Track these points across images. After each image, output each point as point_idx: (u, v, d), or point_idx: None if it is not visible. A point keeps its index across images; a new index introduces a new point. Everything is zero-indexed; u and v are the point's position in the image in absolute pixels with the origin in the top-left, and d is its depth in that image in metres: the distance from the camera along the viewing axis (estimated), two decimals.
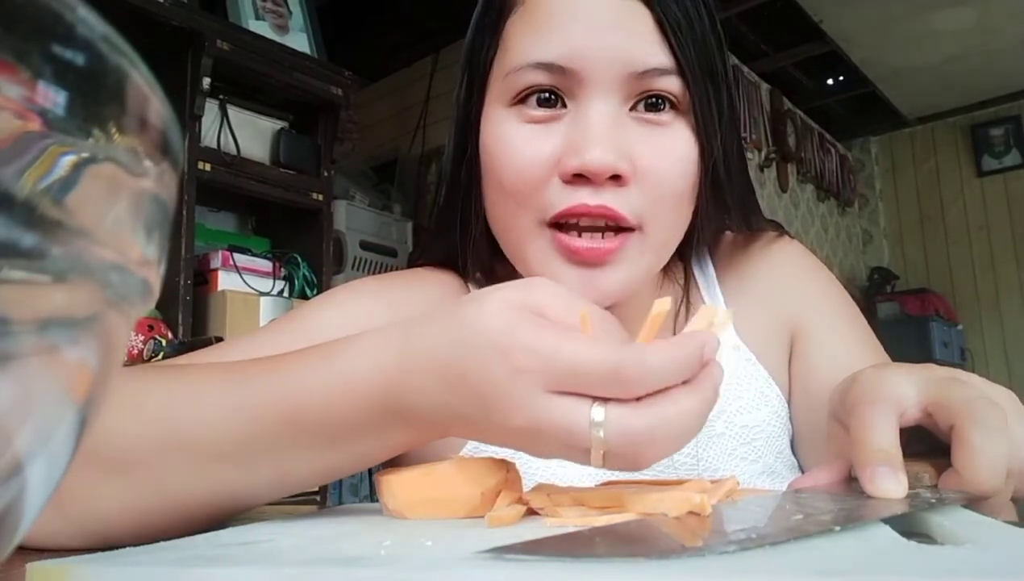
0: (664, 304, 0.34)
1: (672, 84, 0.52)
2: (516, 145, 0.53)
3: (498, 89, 0.55)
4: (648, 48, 0.51)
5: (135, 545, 0.30)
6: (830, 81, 3.83)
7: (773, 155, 3.58)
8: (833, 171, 4.11)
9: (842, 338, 0.61)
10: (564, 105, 0.53)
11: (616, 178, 0.50)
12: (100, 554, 0.28)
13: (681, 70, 0.52)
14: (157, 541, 0.31)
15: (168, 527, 0.39)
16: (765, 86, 3.61)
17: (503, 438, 0.35)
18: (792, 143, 3.70)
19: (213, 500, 0.40)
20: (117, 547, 0.30)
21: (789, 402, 0.62)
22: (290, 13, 2.11)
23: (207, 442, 0.38)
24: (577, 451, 0.33)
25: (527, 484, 0.41)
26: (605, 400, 0.31)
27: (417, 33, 3.07)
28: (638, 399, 0.31)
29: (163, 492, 0.39)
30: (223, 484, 0.39)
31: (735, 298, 0.64)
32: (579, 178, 0.51)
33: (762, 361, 0.62)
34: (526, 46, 0.53)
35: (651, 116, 0.52)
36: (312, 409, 0.37)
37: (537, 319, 0.33)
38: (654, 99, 0.52)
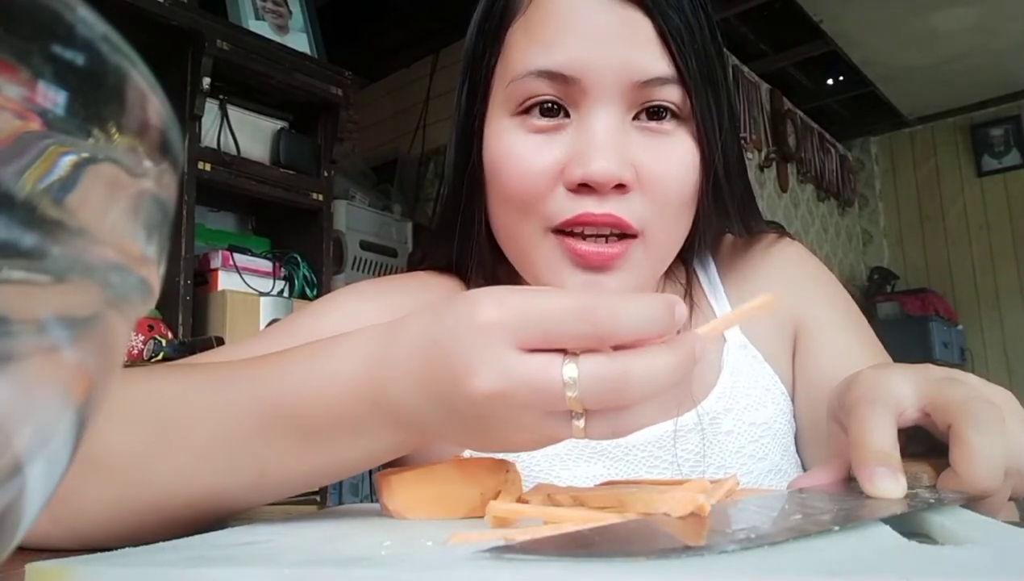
0: (769, 299, 0.34)
1: (674, 93, 0.52)
2: (520, 155, 0.53)
3: (501, 97, 0.55)
4: (650, 58, 0.51)
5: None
6: (830, 81, 3.83)
7: (773, 155, 3.58)
8: (833, 171, 4.11)
9: (844, 337, 0.62)
10: (567, 115, 0.53)
11: (620, 187, 0.51)
12: (99, 554, 0.28)
13: (682, 79, 0.52)
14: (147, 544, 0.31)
15: (149, 530, 0.39)
16: (765, 86, 3.61)
17: (476, 427, 0.33)
18: (792, 143, 3.69)
19: (192, 502, 0.39)
20: (105, 549, 0.30)
21: (793, 400, 0.63)
22: (290, 13, 2.11)
23: (187, 438, 0.38)
24: (554, 420, 0.32)
25: (527, 484, 0.41)
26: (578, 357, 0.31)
27: (417, 33, 3.07)
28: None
29: (143, 492, 0.39)
30: (201, 484, 0.38)
31: (739, 299, 0.64)
32: (584, 187, 0.51)
33: (768, 360, 0.62)
34: (528, 54, 0.53)
35: (653, 124, 0.53)
36: (293, 403, 0.37)
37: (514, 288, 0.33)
38: (656, 108, 0.53)
